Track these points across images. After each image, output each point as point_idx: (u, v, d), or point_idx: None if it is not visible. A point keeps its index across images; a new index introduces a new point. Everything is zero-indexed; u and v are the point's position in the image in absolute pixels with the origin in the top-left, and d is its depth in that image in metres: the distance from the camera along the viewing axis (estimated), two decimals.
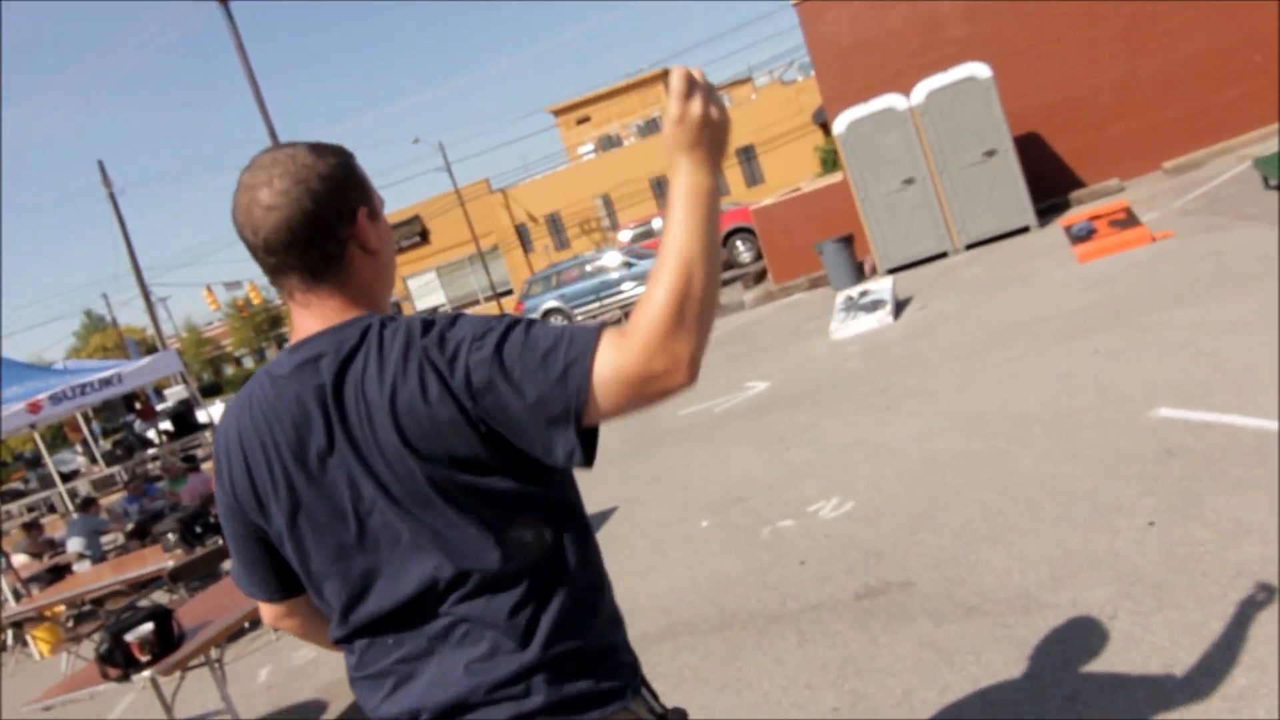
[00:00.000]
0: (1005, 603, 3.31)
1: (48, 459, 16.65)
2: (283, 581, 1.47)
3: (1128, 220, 8.87)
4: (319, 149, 1.38)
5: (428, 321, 1.29)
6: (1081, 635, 2.96)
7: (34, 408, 9.93)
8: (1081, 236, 9.00)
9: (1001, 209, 11.60)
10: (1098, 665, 2.78)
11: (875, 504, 4.68)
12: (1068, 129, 12.75)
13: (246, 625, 6.46)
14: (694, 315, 1.16)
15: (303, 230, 1.32)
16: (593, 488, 7.04)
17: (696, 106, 1.21)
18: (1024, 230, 11.56)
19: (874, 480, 5.01)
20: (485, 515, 1.28)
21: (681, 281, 1.16)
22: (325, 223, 1.33)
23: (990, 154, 11.50)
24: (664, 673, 3.72)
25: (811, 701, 3.16)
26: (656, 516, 5.82)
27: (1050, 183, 12.53)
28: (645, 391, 1.18)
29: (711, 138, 1.24)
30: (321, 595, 1.41)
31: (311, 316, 1.37)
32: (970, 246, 11.79)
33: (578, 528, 1.39)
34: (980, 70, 11.42)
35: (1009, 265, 9.92)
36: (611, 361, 1.17)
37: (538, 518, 1.32)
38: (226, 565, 7.38)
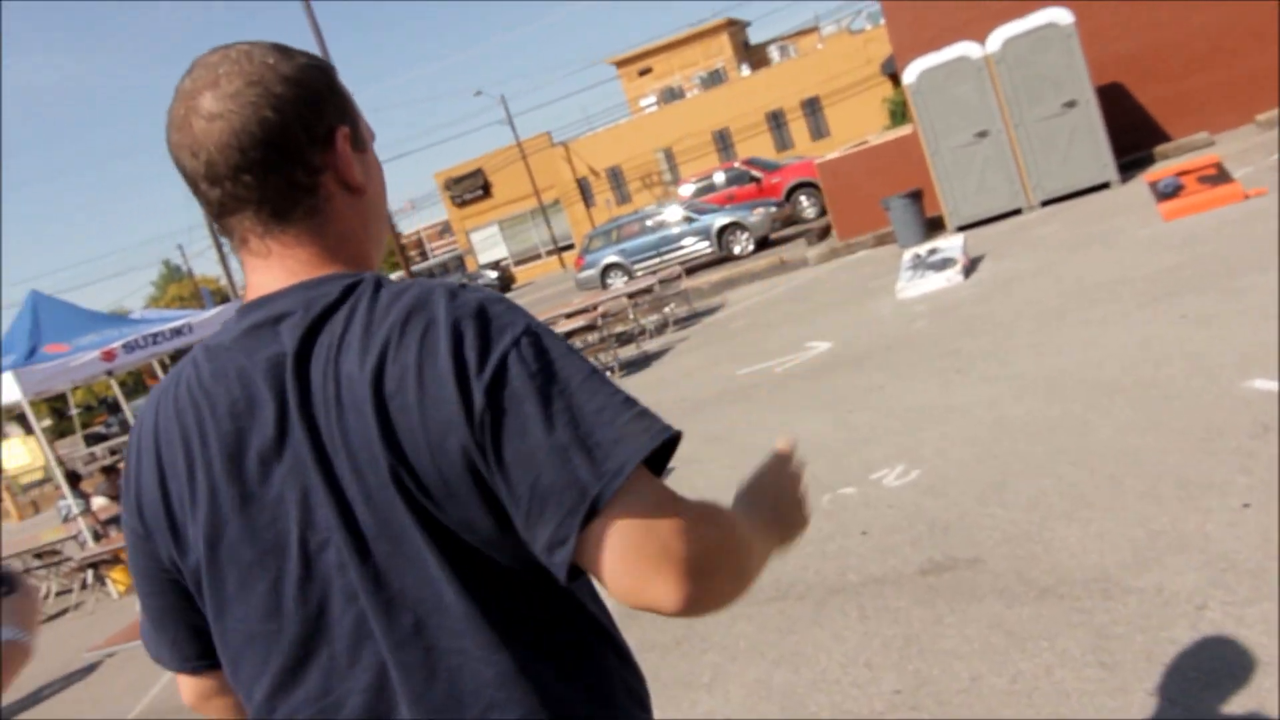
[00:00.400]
0: (1083, 585, 3.12)
1: (125, 406, 17.15)
2: (205, 645, 1.05)
3: (1219, 176, 8.35)
4: (282, 48, 1.02)
5: (454, 288, 0.95)
6: (1167, 625, 2.76)
7: (108, 355, 10.18)
8: (1168, 193, 8.52)
9: (1080, 163, 11.07)
10: (1185, 659, 2.59)
11: (942, 473, 4.48)
12: (1153, 79, 12.06)
13: None
14: (724, 582, 0.92)
15: (259, 148, 0.96)
16: None
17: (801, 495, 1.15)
18: (1104, 186, 11.01)
19: (942, 448, 4.81)
20: (470, 570, 0.91)
21: (738, 557, 0.95)
22: (292, 141, 0.97)
23: (1070, 105, 10.95)
24: (719, 642, 3.62)
25: (872, 681, 3.02)
26: (715, 478, 5.69)
27: (1133, 136, 11.90)
28: (639, 565, 0.86)
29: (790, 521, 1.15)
30: (237, 670, 1.00)
31: (271, 270, 1.00)
32: (1046, 203, 11.30)
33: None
34: (1061, 16, 10.83)
35: (1088, 223, 9.47)
36: (656, 503, 0.88)
37: (531, 587, 0.95)
38: None
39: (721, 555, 0.92)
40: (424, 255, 62.15)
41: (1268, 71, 11.63)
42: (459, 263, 39.59)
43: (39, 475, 25.61)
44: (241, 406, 0.95)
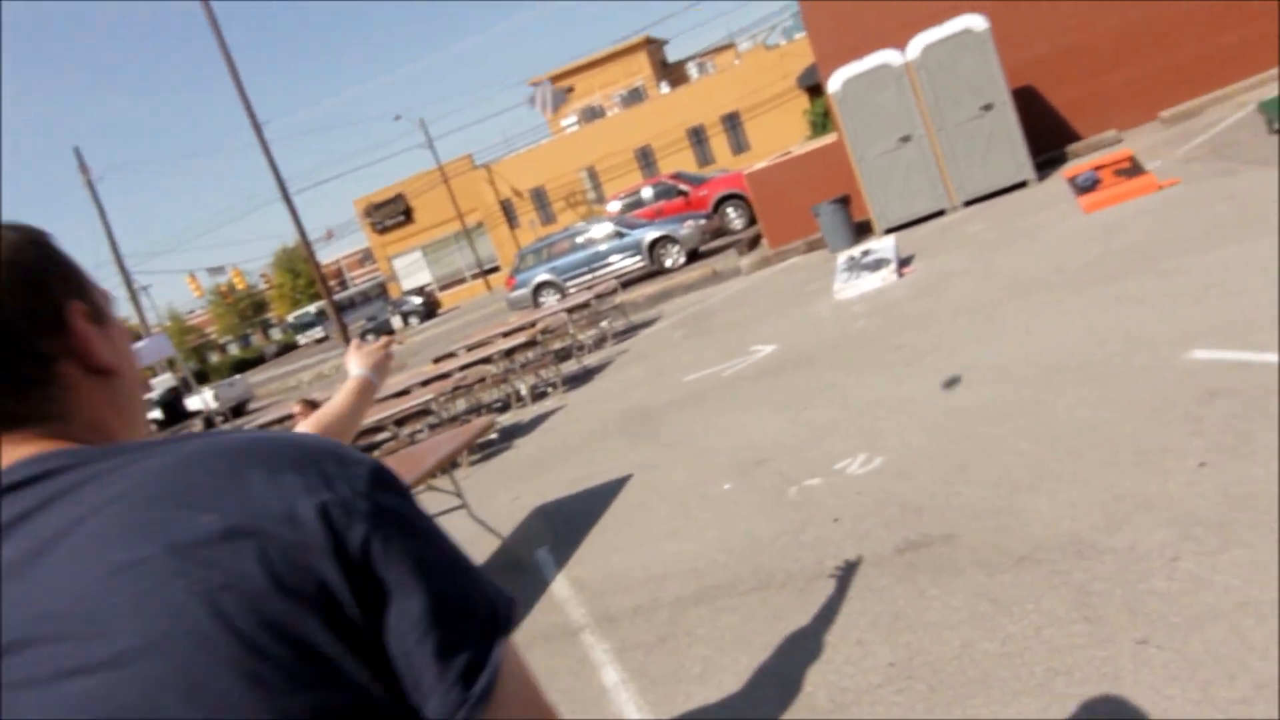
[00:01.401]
0: (1059, 550, 3.22)
1: None
2: None
3: (1133, 169, 8.76)
4: None
5: (248, 445, 0.78)
6: (1145, 578, 2.87)
7: None
8: (1087, 187, 8.89)
9: (999, 164, 11.48)
10: (1167, 608, 2.69)
11: (906, 458, 4.58)
12: (1063, 81, 12.60)
13: None
14: None
15: None
16: (603, 455, 6.95)
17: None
18: (1023, 185, 11.44)
19: (902, 435, 4.91)
20: None
21: None
22: (13, 332, 0.82)
23: (987, 108, 11.36)
24: (705, 635, 3.63)
25: (865, 657, 3.06)
26: (676, 481, 5.70)
27: (1047, 136, 12.41)
28: None
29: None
30: None
31: None
32: (969, 203, 11.67)
33: None
34: (977, 22, 11.25)
35: (1012, 220, 9.81)
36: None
37: None
38: None
39: None
40: (344, 285, 61.03)
41: (1170, 70, 12.25)
42: (381, 290, 38.96)
43: None
44: None
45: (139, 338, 31.44)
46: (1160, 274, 5.87)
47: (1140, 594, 2.81)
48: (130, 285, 29.14)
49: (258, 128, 26.96)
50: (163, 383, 27.06)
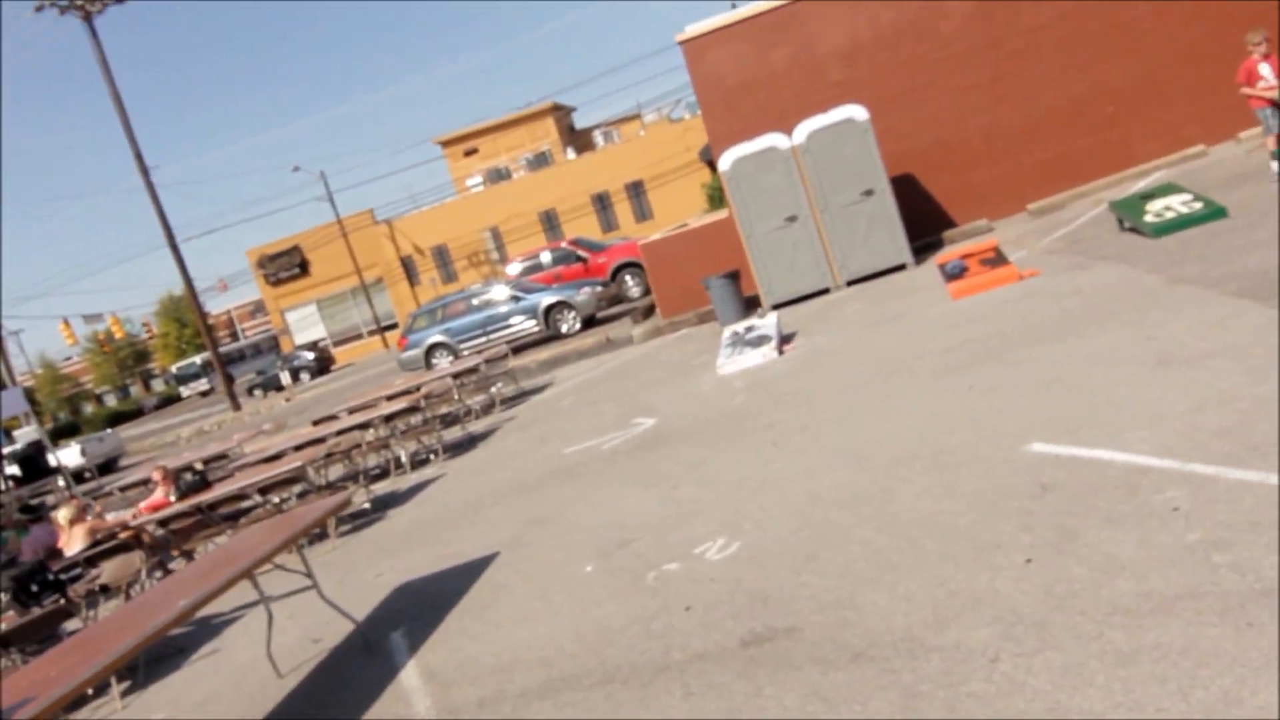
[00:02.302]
0: (891, 646, 3.26)
1: None
2: None
3: (997, 259, 9.22)
4: None
5: None
6: (965, 680, 2.92)
7: None
8: (954, 274, 9.30)
9: (880, 247, 11.94)
10: (983, 711, 2.73)
11: (761, 544, 4.61)
12: (940, 171, 13.27)
13: (89, 692, 5.91)
14: None
15: None
16: (474, 530, 6.80)
17: None
18: (901, 268, 11.91)
19: (760, 519, 4.95)
20: None
21: None
22: None
23: (868, 193, 11.84)
24: None
25: None
26: (540, 560, 5.61)
27: (924, 222, 13.00)
28: None
29: None
30: None
31: None
32: (851, 283, 12.08)
33: None
34: (858, 113, 11.78)
35: (887, 302, 10.18)
36: None
37: None
38: (68, 626, 6.77)
39: None
40: (234, 336, 59.01)
41: (1036, 165, 13.05)
42: (273, 343, 37.81)
43: None
44: None
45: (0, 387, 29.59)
46: (1010, 364, 6.14)
47: (960, 696, 2.85)
48: None
49: (144, 170, 26.12)
50: (25, 435, 25.46)
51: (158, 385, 59.37)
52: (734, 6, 14.45)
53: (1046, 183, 12.95)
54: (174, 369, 51.17)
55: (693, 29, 13.60)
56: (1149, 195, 9.05)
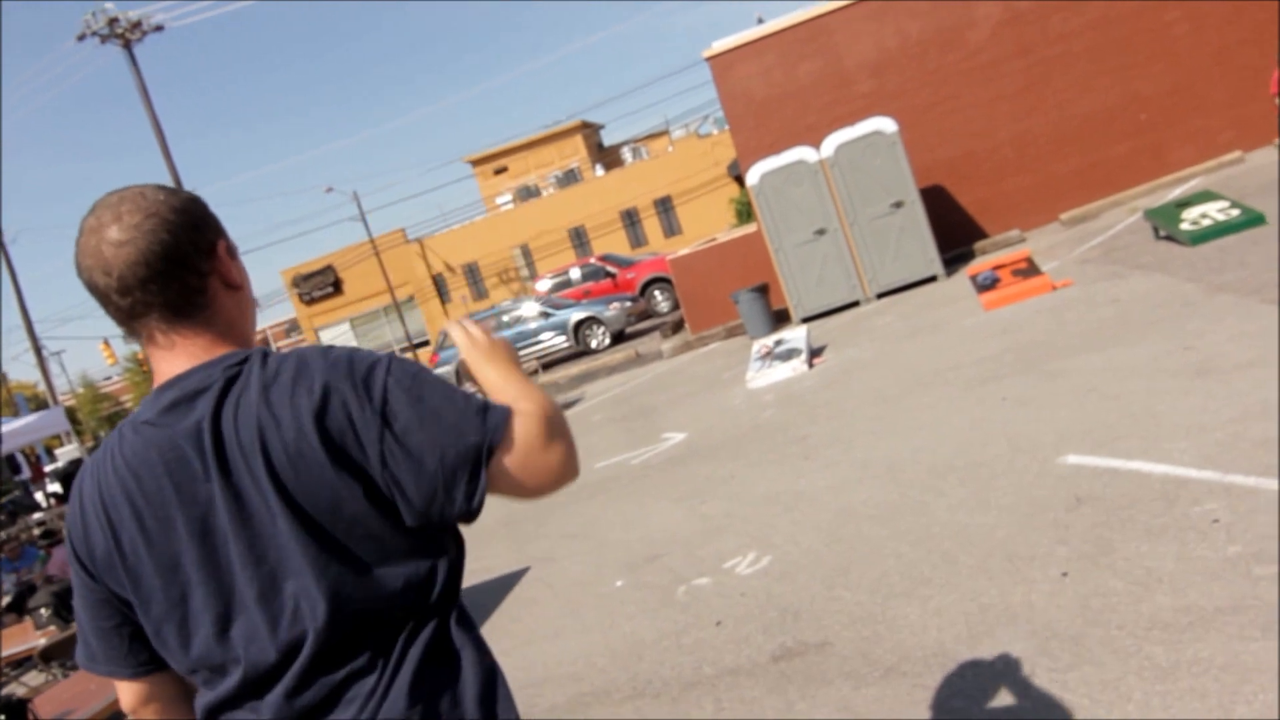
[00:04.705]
0: (923, 661, 3.22)
1: None
2: (147, 654, 1.35)
3: (1029, 269, 9.12)
4: (166, 187, 1.34)
5: (326, 348, 1.29)
6: (1000, 695, 2.87)
7: None
8: (986, 285, 9.21)
9: (910, 259, 11.86)
10: None
11: (792, 558, 4.57)
12: (970, 182, 13.17)
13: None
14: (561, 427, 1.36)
15: (161, 263, 1.27)
16: (505, 546, 6.81)
17: (480, 337, 1.47)
18: (932, 279, 11.82)
19: (791, 534, 4.91)
20: (369, 556, 1.24)
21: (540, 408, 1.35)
22: (184, 255, 1.29)
23: (898, 205, 11.78)
24: None
25: None
26: (571, 575, 5.60)
27: (955, 233, 12.89)
28: (540, 462, 1.30)
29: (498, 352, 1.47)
30: (202, 662, 1.28)
31: (177, 357, 1.31)
32: (881, 295, 12.00)
33: (454, 582, 1.35)
34: (886, 125, 11.73)
35: (919, 314, 10.10)
36: (522, 423, 1.29)
37: (422, 563, 1.28)
38: None
39: (555, 409, 1.37)
40: None
41: (1068, 175, 12.91)
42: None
43: None
44: (175, 466, 1.24)
45: (43, 407, 30.23)
46: (1045, 375, 6.06)
47: (995, 712, 2.81)
48: (39, 351, 28.07)
49: None
50: (67, 453, 25.95)
51: None
52: (760, 21, 14.47)
53: (1079, 192, 12.80)
54: None
55: (719, 45, 13.64)
56: (1185, 203, 8.91)
